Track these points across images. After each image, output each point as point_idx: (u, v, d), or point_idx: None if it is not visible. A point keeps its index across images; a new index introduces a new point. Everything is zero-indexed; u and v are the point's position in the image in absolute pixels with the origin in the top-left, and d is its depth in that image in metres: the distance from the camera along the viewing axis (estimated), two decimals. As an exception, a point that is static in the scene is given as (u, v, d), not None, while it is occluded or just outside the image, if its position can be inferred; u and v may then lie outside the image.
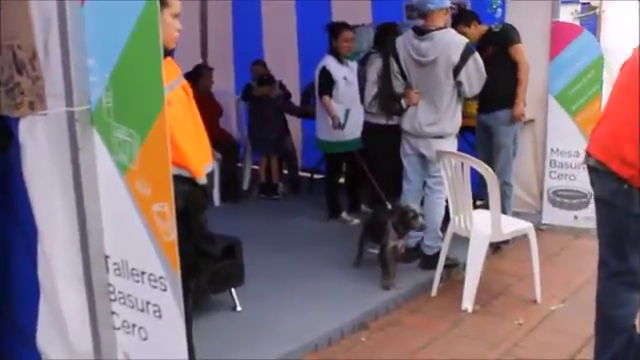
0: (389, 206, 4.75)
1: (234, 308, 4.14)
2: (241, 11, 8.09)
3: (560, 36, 5.82)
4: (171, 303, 2.27)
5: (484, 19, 5.43)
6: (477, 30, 5.30)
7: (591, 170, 3.09)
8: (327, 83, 5.68)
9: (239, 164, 7.34)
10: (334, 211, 6.07)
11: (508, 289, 4.71)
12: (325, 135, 5.89)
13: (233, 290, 4.14)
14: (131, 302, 2.42)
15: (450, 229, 4.54)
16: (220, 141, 6.76)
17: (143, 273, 2.34)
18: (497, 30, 5.30)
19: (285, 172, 7.31)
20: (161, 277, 2.28)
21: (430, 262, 4.79)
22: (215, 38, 8.50)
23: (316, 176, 7.30)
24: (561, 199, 6.09)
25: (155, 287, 2.31)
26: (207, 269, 3.36)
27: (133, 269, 2.37)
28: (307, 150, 7.46)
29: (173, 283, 2.25)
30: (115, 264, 2.44)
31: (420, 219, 4.39)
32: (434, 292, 4.60)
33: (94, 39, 2.31)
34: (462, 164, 4.22)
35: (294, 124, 7.42)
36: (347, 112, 5.74)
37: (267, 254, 5.11)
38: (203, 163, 2.85)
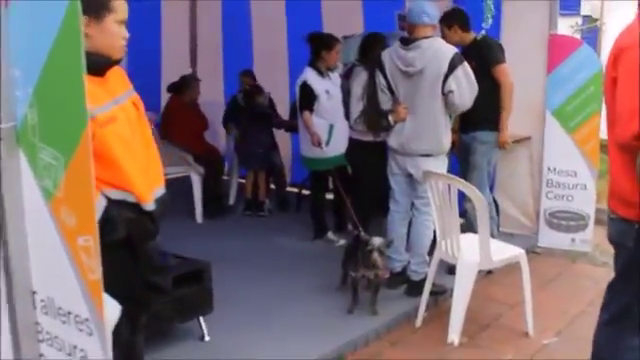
0: (361, 232, 4.45)
1: (202, 338, 3.84)
2: (231, 21, 7.86)
3: (558, 49, 5.53)
4: (97, 350, 1.98)
5: (476, 28, 5.10)
6: (457, 35, 4.95)
7: (608, 221, 2.88)
8: (308, 98, 5.40)
9: (225, 177, 7.08)
10: (319, 230, 5.79)
11: (498, 319, 4.41)
12: (308, 152, 5.61)
13: (201, 318, 3.84)
14: (58, 345, 2.14)
15: (436, 254, 4.25)
16: (204, 155, 6.51)
17: (69, 313, 2.06)
18: (479, 40, 4.98)
19: (273, 187, 7.04)
20: (86, 319, 1.99)
21: (416, 288, 4.50)
22: (204, 47, 8.30)
23: (305, 192, 7.00)
24: (558, 221, 5.79)
25: (81, 330, 2.02)
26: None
27: (60, 308, 2.09)
28: (296, 165, 7.17)
29: (99, 327, 1.97)
30: (42, 301, 2.15)
31: (377, 256, 4.09)
32: (419, 322, 4.30)
33: (18, 47, 2.03)
34: (449, 187, 3.94)
35: (283, 138, 7.12)
36: (331, 128, 5.47)
37: (244, 277, 4.84)
38: (152, 187, 2.57)
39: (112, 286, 2.03)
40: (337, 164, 5.53)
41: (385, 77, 4.39)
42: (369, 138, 4.68)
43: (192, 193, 6.42)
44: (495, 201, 5.72)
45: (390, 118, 4.42)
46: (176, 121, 6.37)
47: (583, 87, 5.45)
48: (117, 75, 2.55)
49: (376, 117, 4.48)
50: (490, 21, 4.88)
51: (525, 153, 5.90)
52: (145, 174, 2.52)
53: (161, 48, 8.10)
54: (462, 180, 3.93)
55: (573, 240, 5.67)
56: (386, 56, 4.41)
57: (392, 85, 4.40)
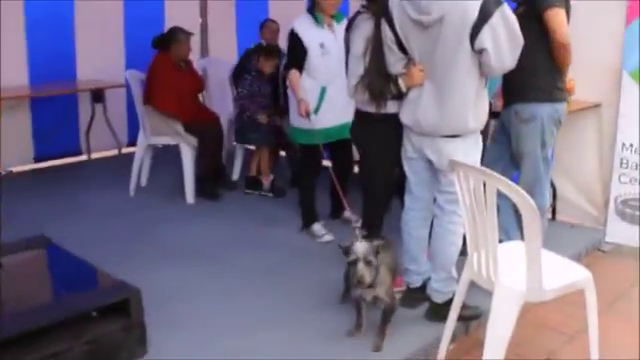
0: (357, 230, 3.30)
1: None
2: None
3: (639, -1, 4.27)
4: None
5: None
6: None
7: None
8: (296, 52, 4.23)
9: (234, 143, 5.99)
10: (307, 220, 4.66)
11: (553, 355, 3.27)
12: (294, 120, 4.44)
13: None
14: None
15: (466, 273, 3.08)
16: (198, 122, 5.42)
17: None
18: None
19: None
20: None
21: (439, 312, 3.37)
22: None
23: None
24: (632, 211, 4.61)
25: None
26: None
27: None
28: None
29: None
30: None
31: (363, 269, 2.98)
32: (441, 357, 3.18)
33: None
34: (485, 184, 2.75)
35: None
36: (322, 91, 4.28)
37: (209, 286, 3.85)
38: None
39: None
40: (330, 139, 4.37)
41: (393, 29, 3.15)
42: (373, 109, 3.43)
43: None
44: (552, 184, 4.52)
45: (401, 83, 3.21)
46: (161, 83, 5.26)
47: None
48: None
49: (381, 82, 3.25)
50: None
51: (593, 125, 4.68)
52: None
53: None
54: (503, 178, 2.71)
55: (651, 236, 4.47)
56: (394, 1, 3.16)
57: (403, 40, 3.17)
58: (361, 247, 3.03)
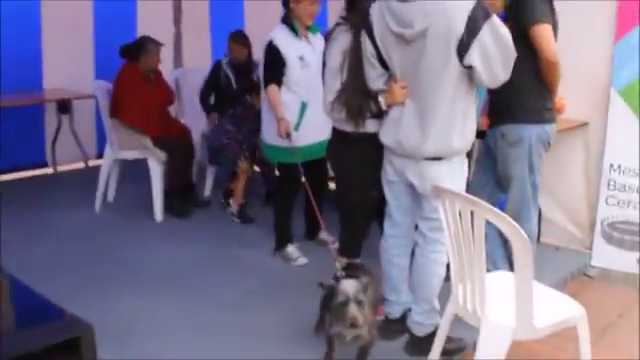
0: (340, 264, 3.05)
1: None
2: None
3: (629, 14, 4.10)
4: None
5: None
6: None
7: None
8: (274, 65, 3.98)
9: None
10: (281, 242, 4.41)
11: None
12: (271, 138, 4.17)
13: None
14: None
15: (450, 307, 2.86)
16: (168, 137, 5.17)
17: None
18: None
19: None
20: None
21: (420, 345, 3.15)
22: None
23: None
24: (620, 235, 4.42)
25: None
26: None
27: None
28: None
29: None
30: None
31: (355, 310, 2.71)
32: (423, 398, 2.96)
33: None
34: (473, 213, 2.53)
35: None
36: (303, 107, 4.04)
37: (175, 320, 3.59)
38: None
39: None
40: (310, 157, 4.10)
41: (374, 42, 2.93)
42: (350, 128, 3.17)
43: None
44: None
45: (381, 101, 2.99)
46: (128, 95, 5.00)
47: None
48: None
49: (359, 99, 3.02)
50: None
51: (580, 144, 4.50)
52: None
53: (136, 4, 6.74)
54: (493, 208, 2.49)
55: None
56: (375, 12, 2.93)
57: (383, 54, 2.94)
58: (350, 286, 2.76)
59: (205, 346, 3.31)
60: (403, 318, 3.30)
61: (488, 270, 2.78)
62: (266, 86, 4.02)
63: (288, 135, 3.95)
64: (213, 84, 5.43)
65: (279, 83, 4.00)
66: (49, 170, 6.53)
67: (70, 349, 2.42)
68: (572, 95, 4.11)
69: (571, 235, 4.68)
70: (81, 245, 4.62)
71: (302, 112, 4.04)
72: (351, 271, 2.95)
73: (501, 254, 3.61)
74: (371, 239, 3.59)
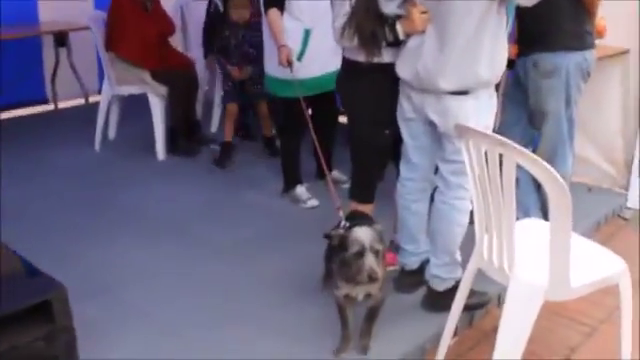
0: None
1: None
2: None
3: None
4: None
5: None
6: None
7: None
8: None
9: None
10: (289, 182, 4.11)
11: (576, 351, 2.77)
12: (273, 70, 3.80)
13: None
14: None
15: (474, 260, 2.54)
16: (168, 70, 4.80)
17: None
18: None
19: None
20: None
21: (439, 301, 2.86)
22: None
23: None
24: (659, 174, 4.03)
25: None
26: None
27: None
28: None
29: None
30: None
31: (372, 262, 2.38)
32: (440, 357, 2.67)
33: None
34: (501, 155, 2.17)
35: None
36: (306, 34, 3.64)
37: (171, 268, 3.33)
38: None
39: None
40: (317, 90, 3.74)
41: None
42: (364, 58, 2.76)
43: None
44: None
45: (399, 29, 2.60)
46: (124, 25, 4.61)
47: None
48: None
49: (372, 23, 2.62)
50: None
51: (617, 74, 4.11)
52: None
53: None
54: (525, 150, 2.12)
55: (681, 203, 3.96)
56: None
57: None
58: (365, 234, 2.42)
59: (200, 296, 3.04)
60: (421, 270, 2.99)
61: (518, 219, 2.44)
62: (266, 10, 3.64)
63: (290, 63, 3.58)
64: (215, 20, 5.00)
65: (281, 7, 3.61)
66: (50, 107, 6.24)
67: (42, 313, 2.17)
68: (611, 19, 3.70)
69: (605, 174, 4.34)
70: (79, 185, 4.37)
71: (305, 40, 3.65)
72: (356, 220, 2.61)
73: (534, 200, 3.26)
74: (386, 182, 3.25)
